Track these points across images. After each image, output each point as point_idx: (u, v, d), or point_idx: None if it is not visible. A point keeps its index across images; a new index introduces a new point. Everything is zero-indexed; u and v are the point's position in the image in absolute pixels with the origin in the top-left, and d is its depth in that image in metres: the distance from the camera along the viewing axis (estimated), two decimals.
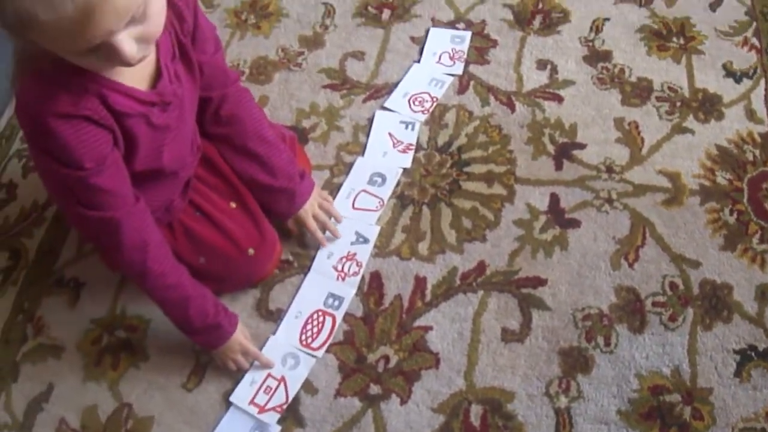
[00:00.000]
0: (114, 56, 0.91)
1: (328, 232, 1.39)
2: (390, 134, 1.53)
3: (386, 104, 1.57)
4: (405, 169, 1.48)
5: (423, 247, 1.38)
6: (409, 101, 1.57)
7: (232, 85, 1.30)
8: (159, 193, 1.23)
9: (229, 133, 1.32)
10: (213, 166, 1.34)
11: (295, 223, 1.38)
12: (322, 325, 1.30)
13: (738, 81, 1.56)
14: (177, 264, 1.20)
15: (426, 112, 1.55)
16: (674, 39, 1.64)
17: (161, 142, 1.15)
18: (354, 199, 1.44)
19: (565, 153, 1.47)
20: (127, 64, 0.93)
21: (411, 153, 1.49)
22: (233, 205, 1.32)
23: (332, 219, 1.40)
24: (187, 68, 1.17)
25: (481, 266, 1.35)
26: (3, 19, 0.83)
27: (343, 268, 1.36)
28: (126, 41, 0.90)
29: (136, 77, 1.06)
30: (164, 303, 1.20)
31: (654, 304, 1.28)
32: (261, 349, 1.28)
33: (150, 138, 1.12)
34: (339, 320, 1.30)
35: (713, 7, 1.69)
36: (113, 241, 1.12)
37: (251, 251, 1.30)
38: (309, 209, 1.36)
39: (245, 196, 1.33)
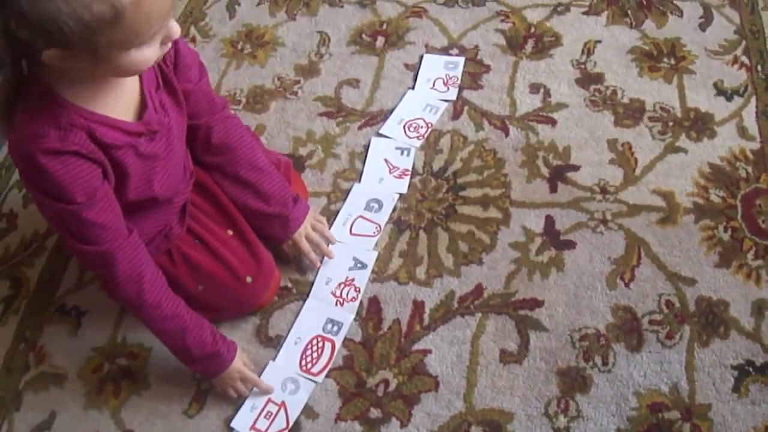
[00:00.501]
0: (167, 40, 0.98)
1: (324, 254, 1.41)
2: (386, 160, 1.55)
3: (381, 131, 1.60)
4: (401, 195, 1.50)
5: (420, 272, 1.40)
6: (404, 127, 1.60)
7: (220, 113, 1.32)
8: (155, 220, 1.26)
9: (221, 162, 1.35)
10: (208, 193, 1.36)
11: (290, 247, 1.40)
12: (322, 351, 1.31)
13: (729, 99, 1.58)
14: (173, 295, 1.21)
15: (421, 137, 1.58)
16: (665, 59, 1.66)
17: (151, 170, 1.16)
18: (351, 225, 1.46)
19: (559, 175, 1.49)
20: (174, 37, 0.99)
21: (407, 178, 1.51)
22: (230, 232, 1.34)
23: (327, 242, 1.42)
24: (172, 97, 1.19)
25: (478, 289, 1.36)
26: (73, 22, 0.86)
27: (341, 293, 1.37)
28: (175, 24, 0.98)
29: (121, 109, 1.08)
30: (161, 333, 1.22)
31: (651, 322, 1.30)
32: (261, 374, 1.29)
33: (139, 168, 1.13)
34: (338, 345, 1.32)
35: (703, 27, 1.72)
36: (108, 273, 1.14)
37: (249, 279, 1.31)
38: (302, 232, 1.39)
39: (241, 223, 1.35)
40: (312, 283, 1.39)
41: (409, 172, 1.52)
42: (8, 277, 1.48)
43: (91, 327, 1.40)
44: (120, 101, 1.07)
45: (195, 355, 1.22)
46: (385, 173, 1.53)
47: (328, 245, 1.42)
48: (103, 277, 1.20)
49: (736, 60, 1.65)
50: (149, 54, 0.97)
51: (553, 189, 1.48)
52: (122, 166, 1.10)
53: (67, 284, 1.46)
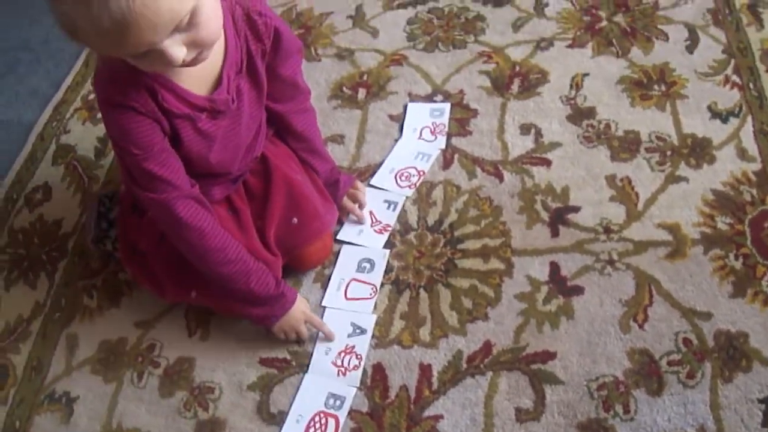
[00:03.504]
0: (162, 59, 1.00)
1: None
2: (371, 212, 1.54)
3: (372, 181, 1.59)
4: (398, 253, 1.48)
5: (424, 333, 1.38)
6: (395, 177, 1.59)
7: (302, 103, 1.44)
8: (211, 181, 1.34)
9: (298, 147, 1.47)
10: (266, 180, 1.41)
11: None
12: (325, 428, 1.29)
13: (725, 121, 1.58)
14: (235, 241, 1.28)
15: (413, 186, 1.57)
16: (656, 86, 1.66)
17: (207, 148, 1.24)
18: (345, 290, 1.44)
19: (559, 218, 1.48)
20: (175, 65, 1.02)
21: (386, 234, 1.50)
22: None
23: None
24: (253, 84, 1.27)
25: (486, 346, 1.34)
26: (57, 23, 0.94)
27: (342, 362, 1.35)
28: (173, 47, 0.99)
29: (195, 81, 1.17)
30: (226, 278, 1.28)
31: (669, 363, 1.27)
32: None
33: (195, 142, 1.21)
34: (342, 420, 1.29)
35: (690, 50, 1.72)
36: (169, 220, 1.22)
37: (294, 220, 1.39)
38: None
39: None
40: (311, 355, 1.37)
41: (390, 228, 1.51)
42: None
43: (83, 414, 1.38)
44: (196, 73, 1.15)
45: (260, 297, 1.30)
46: (366, 226, 1.52)
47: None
48: (164, 224, 1.27)
49: (727, 80, 1.65)
50: (150, 65, 1.03)
51: (555, 233, 1.46)
52: (177, 134, 1.18)
53: (55, 370, 1.44)
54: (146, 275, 1.41)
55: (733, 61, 1.68)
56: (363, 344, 1.37)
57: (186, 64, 1.04)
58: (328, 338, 1.37)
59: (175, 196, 1.20)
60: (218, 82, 1.20)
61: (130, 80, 1.10)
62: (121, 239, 1.44)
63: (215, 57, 1.16)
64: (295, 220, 1.38)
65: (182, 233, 1.24)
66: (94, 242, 1.52)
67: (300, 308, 1.35)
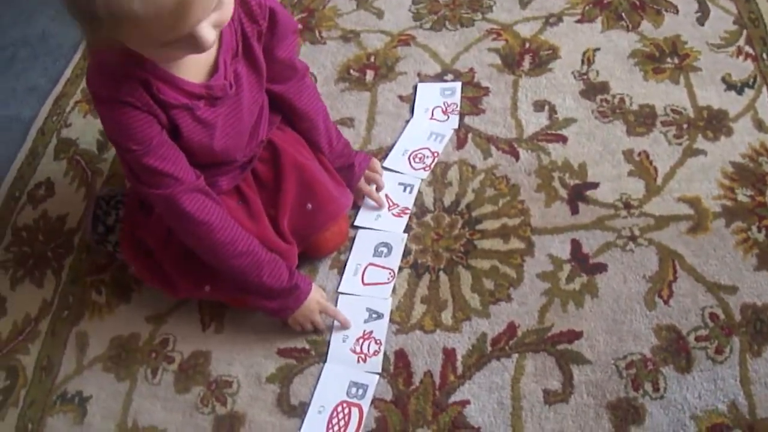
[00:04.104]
0: (194, 45, 0.99)
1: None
2: (387, 195, 1.51)
3: (386, 164, 1.57)
4: (415, 236, 1.46)
5: (446, 317, 1.35)
6: (409, 159, 1.57)
7: (300, 80, 1.39)
8: (218, 170, 1.31)
9: (305, 128, 1.44)
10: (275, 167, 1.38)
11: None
12: (349, 417, 1.26)
13: (740, 92, 1.56)
14: (245, 232, 1.26)
15: (428, 168, 1.54)
16: (668, 59, 1.64)
17: (209, 136, 1.21)
18: (362, 275, 1.42)
19: (578, 195, 1.46)
20: (203, 50, 1.02)
21: (405, 218, 1.48)
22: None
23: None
24: (251, 67, 1.24)
25: (511, 328, 1.32)
26: (89, 11, 0.89)
27: (361, 348, 1.33)
28: (207, 29, 0.99)
29: (191, 69, 1.14)
30: (237, 271, 1.25)
31: (697, 339, 1.26)
32: None
33: (193, 131, 1.18)
34: (366, 410, 1.27)
35: (701, 21, 1.70)
36: (175, 216, 1.20)
37: (309, 206, 1.36)
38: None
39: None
40: (328, 344, 1.35)
41: (409, 211, 1.49)
42: (3, 366, 1.45)
43: (97, 413, 1.36)
44: (191, 62, 1.12)
45: (273, 289, 1.27)
46: (384, 210, 1.50)
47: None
48: (171, 220, 1.24)
49: (740, 51, 1.63)
50: (167, 55, 1.04)
51: (575, 210, 1.44)
52: (176, 125, 1.16)
53: (66, 369, 1.42)
54: (154, 273, 1.38)
55: (745, 32, 1.66)
56: (381, 329, 1.35)
57: (202, 50, 1.02)
58: (344, 326, 1.35)
59: (180, 190, 1.18)
60: (215, 69, 1.17)
61: (122, 75, 1.08)
62: (127, 237, 1.40)
63: None
64: (310, 205, 1.36)
65: (190, 228, 1.21)
66: (92, 243, 1.50)
67: (315, 298, 1.33)
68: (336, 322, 1.36)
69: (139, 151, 1.13)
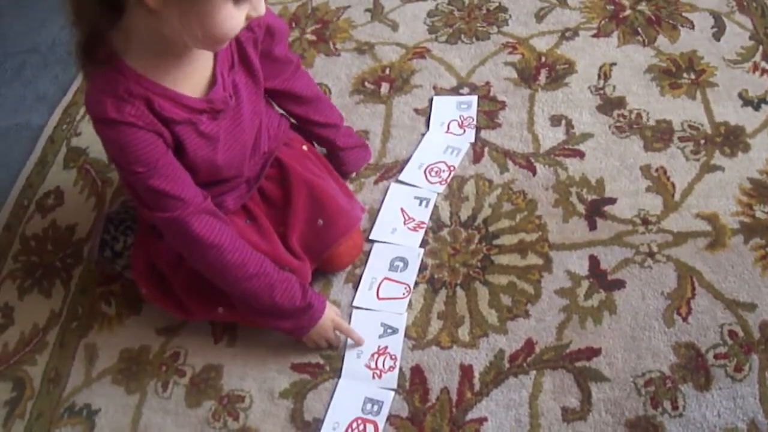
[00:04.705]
0: (252, 15, 1.05)
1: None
2: (402, 209, 1.50)
3: (401, 177, 1.56)
4: (431, 250, 1.45)
5: (463, 333, 1.34)
6: (425, 172, 1.56)
7: (295, 71, 1.41)
8: (224, 187, 1.30)
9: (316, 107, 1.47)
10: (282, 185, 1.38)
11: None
12: None
13: (757, 108, 1.56)
14: (256, 253, 1.24)
15: (444, 182, 1.54)
16: (685, 75, 1.64)
17: (213, 150, 1.20)
18: (378, 289, 1.41)
19: (596, 211, 1.45)
20: (261, 12, 1.06)
21: (421, 232, 1.47)
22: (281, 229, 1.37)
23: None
24: (249, 77, 1.24)
25: (529, 345, 1.31)
26: None
27: (376, 364, 1.32)
28: (263, 3, 1.06)
29: (188, 85, 1.14)
30: (249, 294, 1.23)
31: (716, 356, 1.25)
32: None
33: (198, 146, 1.17)
34: (381, 426, 1.25)
35: (717, 37, 1.70)
36: (184, 240, 1.18)
37: (320, 222, 1.35)
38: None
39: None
40: (342, 359, 1.34)
41: (425, 225, 1.48)
42: (10, 377, 1.43)
43: (106, 427, 1.34)
44: (189, 77, 1.13)
45: (286, 309, 1.26)
46: (399, 224, 1.48)
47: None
48: (179, 244, 1.23)
49: (756, 67, 1.63)
50: (233, 22, 1.03)
51: (593, 226, 1.43)
52: (181, 142, 1.14)
53: (74, 381, 1.40)
54: (167, 296, 1.36)
55: (761, 48, 1.66)
56: (396, 344, 1.33)
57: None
58: (358, 343, 1.34)
59: (189, 213, 1.16)
60: (213, 82, 1.17)
61: (124, 93, 1.07)
62: (138, 261, 1.38)
63: (206, 56, 1.15)
64: (321, 221, 1.35)
65: (199, 251, 1.20)
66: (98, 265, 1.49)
67: (329, 316, 1.31)
68: (349, 340, 1.35)
69: (144, 173, 1.11)
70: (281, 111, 1.46)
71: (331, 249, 1.37)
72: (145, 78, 1.08)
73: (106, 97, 1.07)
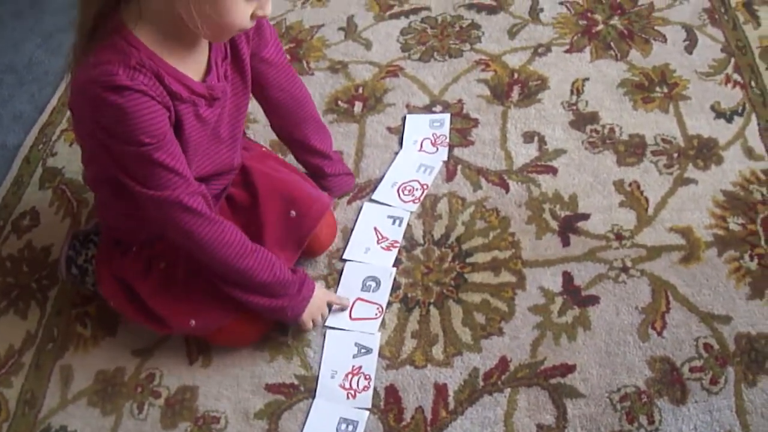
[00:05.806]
0: (258, 13, 1.08)
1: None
2: (375, 229, 1.50)
3: (374, 196, 1.55)
4: (405, 269, 1.44)
5: (437, 351, 1.34)
6: (398, 191, 1.55)
7: (295, 74, 1.44)
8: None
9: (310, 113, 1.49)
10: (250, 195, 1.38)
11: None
12: None
13: (729, 120, 1.56)
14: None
15: (417, 201, 1.53)
16: (657, 88, 1.64)
17: (204, 139, 1.21)
18: (350, 310, 1.40)
19: (569, 227, 1.45)
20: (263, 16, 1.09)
21: (394, 251, 1.46)
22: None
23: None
24: (237, 71, 1.25)
25: (503, 362, 1.31)
26: None
27: (350, 384, 1.31)
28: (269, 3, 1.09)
29: (188, 67, 1.14)
30: (251, 269, 1.23)
31: (691, 369, 1.25)
32: None
33: (194, 130, 1.18)
34: None
35: (689, 50, 1.71)
36: (182, 219, 1.16)
37: (293, 213, 1.35)
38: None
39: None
40: (316, 380, 1.33)
41: (398, 244, 1.47)
42: None
43: None
44: (189, 59, 1.14)
45: (287, 282, 1.27)
46: (373, 243, 1.48)
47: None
48: (178, 228, 1.19)
49: (728, 79, 1.64)
50: (241, 14, 1.05)
51: (566, 242, 1.43)
52: (181, 121, 1.14)
53: (50, 403, 1.39)
54: (137, 309, 1.34)
55: (732, 60, 1.67)
56: (370, 364, 1.33)
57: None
58: (344, 307, 1.38)
59: (189, 192, 1.15)
60: (208, 69, 1.18)
61: (135, 64, 1.05)
62: (104, 275, 1.37)
63: (203, 42, 1.16)
64: (293, 212, 1.35)
65: (201, 229, 1.17)
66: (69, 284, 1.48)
67: (321, 288, 1.36)
68: (324, 355, 1.34)
69: (151, 145, 1.09)
70: (279, 137, 1.52)
71: (310, 237, 1.38)
72: (153, 52, 1.08)
73: (116, 65, 1.04)
